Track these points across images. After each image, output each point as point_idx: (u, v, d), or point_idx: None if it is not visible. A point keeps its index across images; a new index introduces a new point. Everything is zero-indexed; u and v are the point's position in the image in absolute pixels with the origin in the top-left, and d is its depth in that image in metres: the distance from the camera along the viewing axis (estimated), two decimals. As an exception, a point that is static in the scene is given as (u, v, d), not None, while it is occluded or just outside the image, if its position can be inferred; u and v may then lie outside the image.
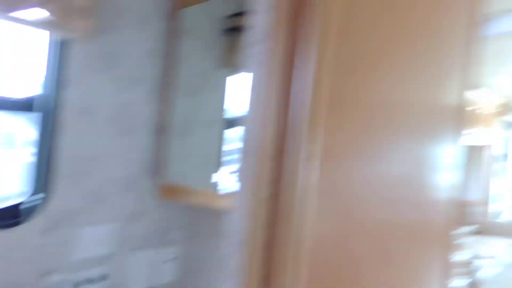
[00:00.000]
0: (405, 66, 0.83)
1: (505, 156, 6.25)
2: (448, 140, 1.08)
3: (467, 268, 3.29)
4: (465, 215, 4.85)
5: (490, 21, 2.46)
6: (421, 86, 0.91)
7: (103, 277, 1.36)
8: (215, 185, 1.46)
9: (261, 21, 0.61)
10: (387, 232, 0.82)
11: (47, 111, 1.23)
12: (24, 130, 1.23)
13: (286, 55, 0.60)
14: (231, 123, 1.41)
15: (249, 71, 0.63)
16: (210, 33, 1.54)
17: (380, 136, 0.76)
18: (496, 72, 4.04)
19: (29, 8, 1.04)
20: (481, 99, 4.85)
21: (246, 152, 0.65)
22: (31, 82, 1.20)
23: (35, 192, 1.22)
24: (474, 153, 5.48)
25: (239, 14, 1.39)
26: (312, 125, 0.61)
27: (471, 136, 4.73)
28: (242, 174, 0.66)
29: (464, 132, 1.14)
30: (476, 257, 3.40)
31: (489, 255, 3.75)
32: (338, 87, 0.64)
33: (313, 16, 0.58)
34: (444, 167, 1.04)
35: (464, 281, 3.19)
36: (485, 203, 5.45)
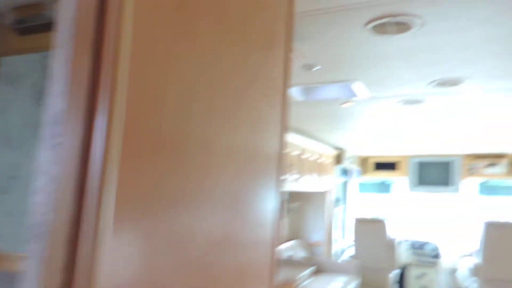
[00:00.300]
0: (228, 119, 0.89)
1: (343, 200, 7.12)
2: (270, 185, 1.18)
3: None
4: (306, 256, 5.28)
5: (320, 89, 2.85)
6: (245, 135, 0.99)
7: None
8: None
9: (55, 103, 0.60)
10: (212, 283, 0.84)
11: None
12: None
13: (79, 138, 0.60)
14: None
15: (42, 152, 0.60)
16: (41, 83, 1.44)
17: (198, 183, 0.79)
18: (331, 129, 4.65)
19: None
20: (320, 150, 5.48)
21: (36, 237, 0.61)
22: None
23: None
24: (316, 198, 6.09)
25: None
26: (107, 203, 0.61)
27: (313, 182, 5.27)
28: (32, 261, 0.61)
29: (284, 177, 1.25)
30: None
31: (328, 293, 4.11)
32: (140, 163, 0.65)
33: (107, 101, 0.60)
34: (266, 210, 1.12)
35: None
36: (327, 243, 6.04)
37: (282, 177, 1.28)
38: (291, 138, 4.39)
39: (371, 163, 7.52)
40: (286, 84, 1.38)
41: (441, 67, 2.30)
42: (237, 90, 0.98)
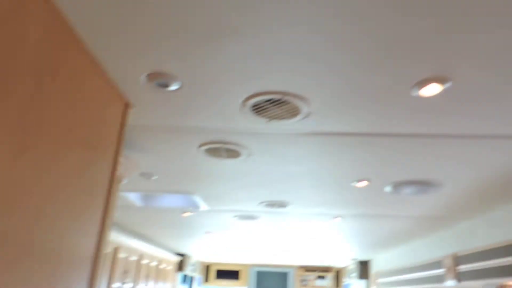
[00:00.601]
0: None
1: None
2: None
3: None
4: None
5: (160, 197, 2.84)
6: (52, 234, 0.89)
7: None
8: None
9: None
10: None
11: None
12: None
13: None
14: None
15: None
16: None
17: None
18: (173, 236, 4.56)
19: None
20: (161, 256, 5.24)
21: None
22: None
23: None
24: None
25: None
26: None
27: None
28: None
29: (115, 284, 1.14)
30: None
31: None
32: None
33: None
34: None
35: None
36: None
37: (113, 285, 1.22)
38: (129, 242, 4.15)
39: (213, 270, 7.46)
40: (112, 188, 1.40)
41: (268, 191, 2.55)
42: (47, 189, 0.93)
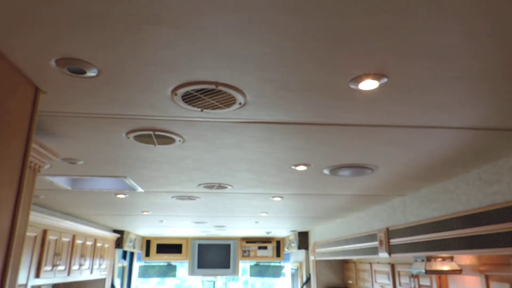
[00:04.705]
0: None
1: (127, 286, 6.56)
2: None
3: None
4: None
5: (90, 181, 2.64)
6: None
7: None
8: None
9: None
10: None
11: None
12: None
13: None
14: None
15: None
16: None
17: None
18: (109, 215, 4.36)
19: None
20: (97, 234, 5.01)
21: None
22: None
23: None
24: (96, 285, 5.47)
25: None
26: None
27: (88, 269, 4.68)
28: None
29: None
30: None
31: None
32: None
33: None
34: None
35: None
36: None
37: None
38: (61, 223, 3.90)
39: (154, 245, 7.35)
40: (24, 175, 1.33)
41: (207, 174, 2.46)
42: None
